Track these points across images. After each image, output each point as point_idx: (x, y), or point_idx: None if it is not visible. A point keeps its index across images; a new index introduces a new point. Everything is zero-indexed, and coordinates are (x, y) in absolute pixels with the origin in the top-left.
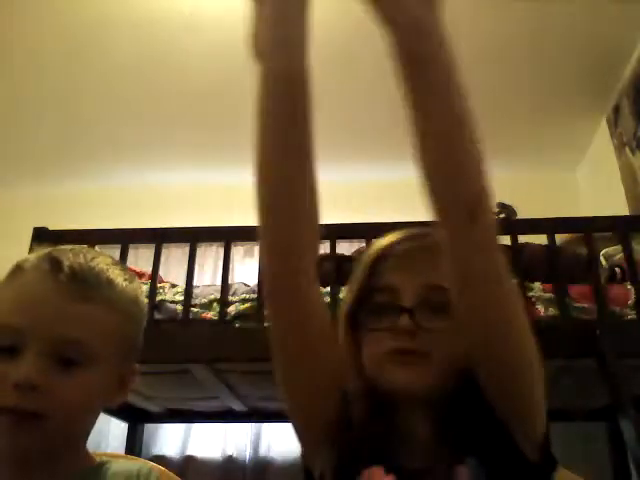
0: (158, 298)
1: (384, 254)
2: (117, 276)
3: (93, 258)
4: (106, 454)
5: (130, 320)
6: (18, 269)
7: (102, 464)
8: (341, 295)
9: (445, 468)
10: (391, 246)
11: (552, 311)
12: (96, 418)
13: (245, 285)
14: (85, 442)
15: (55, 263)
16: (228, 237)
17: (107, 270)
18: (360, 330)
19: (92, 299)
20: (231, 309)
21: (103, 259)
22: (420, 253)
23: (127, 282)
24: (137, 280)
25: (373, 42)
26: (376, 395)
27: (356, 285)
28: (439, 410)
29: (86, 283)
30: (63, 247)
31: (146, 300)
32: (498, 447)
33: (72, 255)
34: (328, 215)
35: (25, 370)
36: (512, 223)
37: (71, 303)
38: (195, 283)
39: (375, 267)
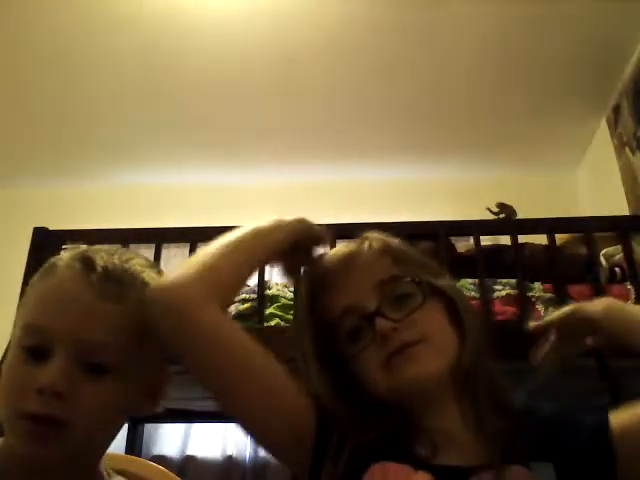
0: None
1: (320, 282)
2: (153, 279)
3: (128, 259)
4: (107, 455)
5: None
6: (51, 267)
7: None
8: None
9: (498, 469)
10: (323, 271)
11: (552, 311)
12: (119, 428)
13: (245, 285)
14: (101, 458)
15: (87, 262)
16: None
17: (142, 272)
18: (345, 363)
19: (125, 300)
20: (231, 309)
21: (138, 260)
22: (355, 261)
23: None
24: None
25: (369, 40)
26: (397, 406)
27: (308, 324)
28: (473, 401)
29: (119, 283)
30: (98, 246)
31: None
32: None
33: (106, 255)
34: (328, 215)
35: (51, 375)
36: (512, 223)
37: (102, 304)
38: None
39: (317, 299)
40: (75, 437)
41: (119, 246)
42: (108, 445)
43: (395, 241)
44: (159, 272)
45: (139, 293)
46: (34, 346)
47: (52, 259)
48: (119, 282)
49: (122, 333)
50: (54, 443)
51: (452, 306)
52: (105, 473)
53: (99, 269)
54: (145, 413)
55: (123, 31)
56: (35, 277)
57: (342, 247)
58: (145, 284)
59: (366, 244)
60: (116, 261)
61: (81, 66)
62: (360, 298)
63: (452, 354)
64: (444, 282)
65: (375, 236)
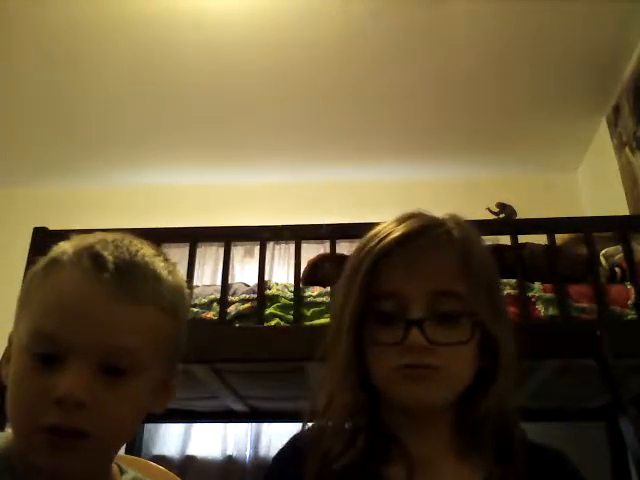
0: None
1: (388, 250)
2: (162, 269)
3: (137, 251)
4: None
5: (177, 317)
6: (55, 263)
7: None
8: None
9: None
10: (396, 242)
11: (552, 311)
12: (138, 428)
13: (245, 285)
14: (115, 457)
15: (98, 260)
16: (228, 237)
17: (153, 264)
18: (364, 339)
19: (140, 300)
20: (231, 309)
21: (146, 250)
22: (429, 252)
23: (172, 275)
24: (177, 270)
25: (370, 38)
26: (386, 406)
27: (357, 287)
28: (456, 420)
29: (134, 282)
30: (102, 237)
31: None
32: None
33: (114, 248)
34: (328, 215)
35: (70, 385)
36: (512, 223)
37: (118, 307)
38: (195, 283)
39: (378, 266)
40: (98, 446)
41: (120, 234)
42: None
43: (478, 246)
44: (166, 260)
45: (152, 288)
46: (47, 354)
47: (53, 253)
48: (133, 281)
49: (141, 334)
50: (74, 455)
51: (492, 347)
52: (116, 467)
53: (111, 267)
54: (156, 411)
55: (123, 31)
56: (36, 273)
57: (421, 221)
58: (158, 278)
59: (445, 236)
60: (126, 255)
61: (81, 66)
62: (410, 294)
63: (460, 389)
64: (499, 326)
65: (459, 230)
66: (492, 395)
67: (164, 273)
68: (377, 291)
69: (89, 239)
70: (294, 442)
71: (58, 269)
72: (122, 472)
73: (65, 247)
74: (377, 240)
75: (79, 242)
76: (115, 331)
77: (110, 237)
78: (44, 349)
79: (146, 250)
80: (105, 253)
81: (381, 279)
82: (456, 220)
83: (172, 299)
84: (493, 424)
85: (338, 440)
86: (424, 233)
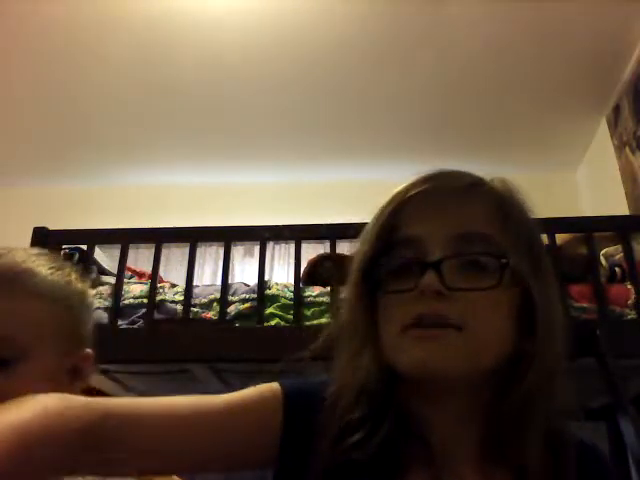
0: (158, 298)
1: (405, 199)
2: (38, 265)
3: (9, 252)
4: None
5: (62, 306)
6: None
7: None
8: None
9: None
10: (414, 187)
11: None
12: None
13: (245, 285)
14: None
15: None
16: (228, 237)
17: (25, 262)
18: (378, 295)
19: (11, 292)
20: (231, 309)
21: (23, 252)
22: (450, 194)
23: (53, 269)
24: (69, 268)
25: (371, 41)
26: (394, 389)
27: (371, 238)
28: (489, 415)
29: (1, 278)
30: None
31: (136, 296)
32: None
33: None
34: (328, 215)
35: None
36: None
37: None
38: (195, 283)
39: (395, 216)
40: None
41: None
42: None
43: (519, 197)
44: (50, 259)
45: (24, 281)
46: None
47: None
48: (0, 276)
49: (19, 323)
50: None
51: (530, 310)
52: None
53: None
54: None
55: (124, 31)
56: None
57: (463, 173)
58: (28, 271)
59: (487, 186)
60: None
61: (81, 66)
62: (429, 241)
63: (487, 361)
64: (541, 283)
65: (502, 185)
66: (529, 377)
67: (40, 269)
68: (395, 239)
69: None
70: (320, 388)
71: None
72: None
73: None
74: (394, 191)
75: None
76: None
77: None
78: None
79: (22, 253)
80: None
81: (400, 227)
82: (504, 180)
83: (52, 290)
84: (539, 430)
85: (353, 428)
86: (441, 177)
